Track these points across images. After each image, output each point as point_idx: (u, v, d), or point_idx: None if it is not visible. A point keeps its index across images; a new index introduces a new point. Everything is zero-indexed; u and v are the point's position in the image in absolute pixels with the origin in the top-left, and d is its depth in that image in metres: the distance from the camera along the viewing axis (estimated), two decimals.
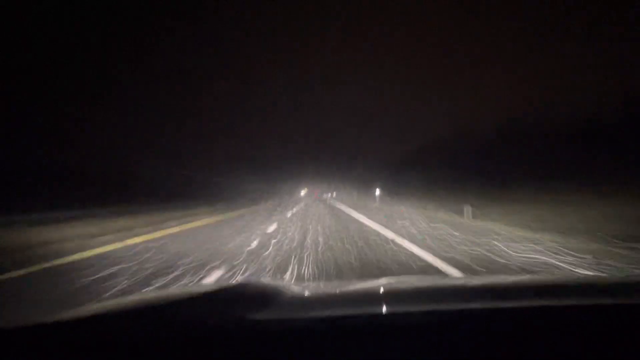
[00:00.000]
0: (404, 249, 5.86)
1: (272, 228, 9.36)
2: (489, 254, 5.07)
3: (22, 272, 4.85)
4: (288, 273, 4.33)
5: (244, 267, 4.66)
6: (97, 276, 4.28)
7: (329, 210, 18.76)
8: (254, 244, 6.65)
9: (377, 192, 23.77)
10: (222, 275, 4.23)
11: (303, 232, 8.34)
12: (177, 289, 2.79)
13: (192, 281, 3.98)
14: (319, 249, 5.96)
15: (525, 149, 22.71)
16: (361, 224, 10.41)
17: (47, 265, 5.30)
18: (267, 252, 5.72)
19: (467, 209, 10.80)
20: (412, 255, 5.30)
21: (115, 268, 4.69)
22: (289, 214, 15.22)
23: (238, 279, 4.09)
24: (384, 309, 0.97)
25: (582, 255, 4.63)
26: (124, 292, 3.57)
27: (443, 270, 4.26)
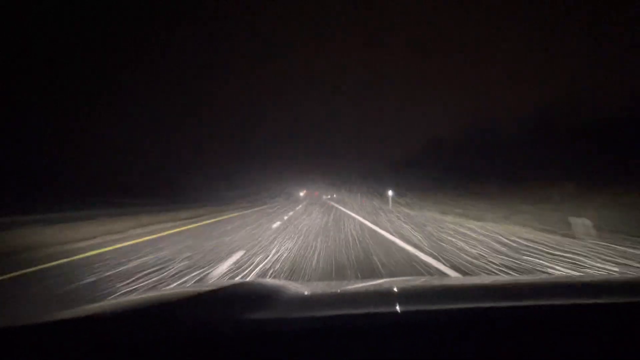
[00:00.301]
0: None
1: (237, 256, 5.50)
2: None
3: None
4: None
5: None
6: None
7: (332, 216, 14.40)
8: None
9: (390, 193, 19.36)
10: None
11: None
12: (176, 289, 2.79)
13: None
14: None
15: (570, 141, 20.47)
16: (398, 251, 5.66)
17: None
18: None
19: (585, 225, 5.93)
20: None
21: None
22: (275, 224, 11.34)
23: (237, 278, 4.09)
24: (384, 308, 0.97)
25: None
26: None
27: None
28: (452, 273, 4.09)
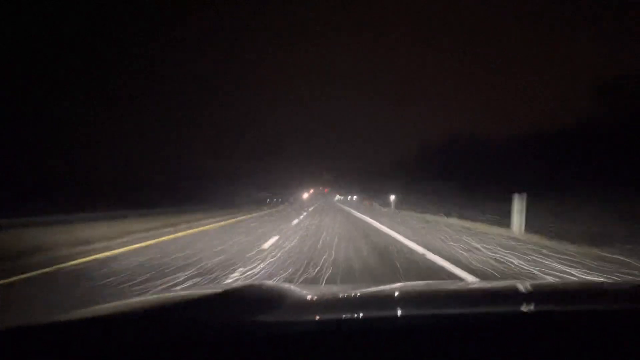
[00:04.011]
0: None
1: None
2: None
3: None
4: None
5: None
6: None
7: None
8: None
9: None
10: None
11: None
12: (184, 291, 2.81)
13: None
14: None
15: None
16: None
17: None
18: None
19: None
20: None
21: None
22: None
23: (244, 281, 4.11)
24: (390, 312, 0.97)
25: None
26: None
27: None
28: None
